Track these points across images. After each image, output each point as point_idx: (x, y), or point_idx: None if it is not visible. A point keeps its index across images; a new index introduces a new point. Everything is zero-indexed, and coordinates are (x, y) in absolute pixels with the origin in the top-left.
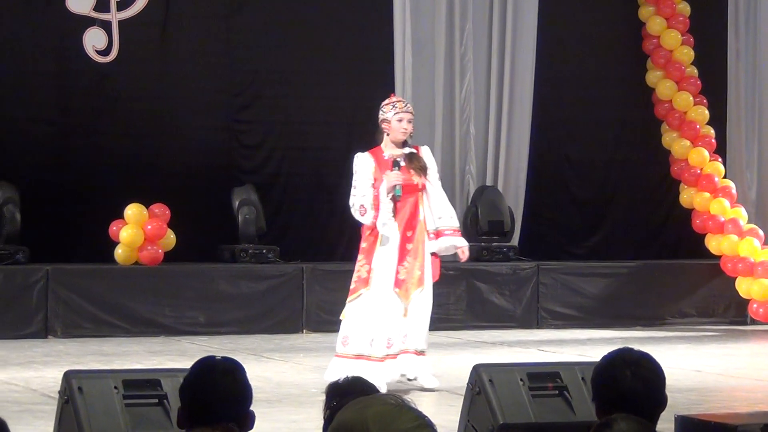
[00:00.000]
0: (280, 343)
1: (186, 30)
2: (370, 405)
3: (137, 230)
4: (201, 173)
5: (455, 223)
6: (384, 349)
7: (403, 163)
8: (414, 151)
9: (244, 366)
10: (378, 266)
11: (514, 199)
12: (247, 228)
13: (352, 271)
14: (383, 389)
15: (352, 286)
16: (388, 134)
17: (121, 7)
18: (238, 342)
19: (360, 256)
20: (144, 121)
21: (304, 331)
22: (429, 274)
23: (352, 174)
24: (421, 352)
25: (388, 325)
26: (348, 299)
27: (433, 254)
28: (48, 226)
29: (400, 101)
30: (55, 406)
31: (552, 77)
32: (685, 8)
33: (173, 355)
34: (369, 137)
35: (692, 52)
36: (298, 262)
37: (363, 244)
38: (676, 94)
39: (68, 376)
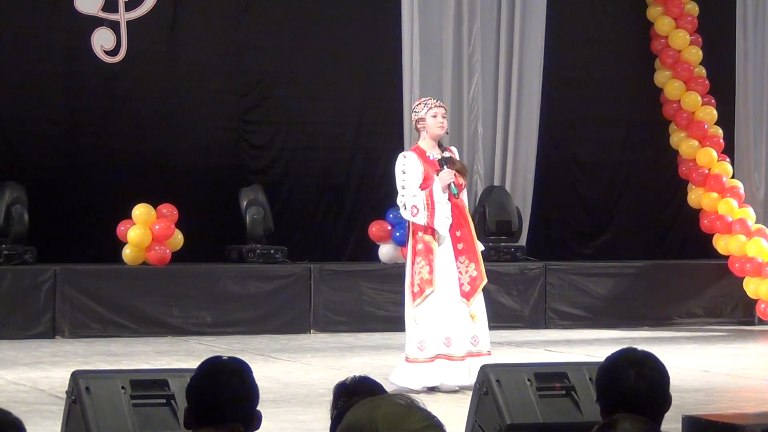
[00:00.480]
0: (287, 344)
1: (194, 31)
2: (379, 405)
3: (145, 230)
4: (209, 173)
5: None
6: (460, 349)
7: (449, 159)
8: (451, 154)
9: (252, 366)
10: (440, 266)
11: (522, 199)
12: (255, 228)
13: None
14: (460, 386)
15: (415, 290)
16: (426, 132)
17: (129, 7)
18: (246, 342)
19: (417, 258)
20: (152, 121)
21: (312, 331)
22: (482, 271)
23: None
24: (488, 353)
25: (459, 325)
26: (414, 303)
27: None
28: (56, 227)
29: (431, 99)
30: (63, 406)
31: (560, 77)
32: (694, 8)
33: (181, 356)
34: (376, 138)
35: (700, 53)
36: (305, 262)
37: (418, 246)
38: (684, 94)
39: (76, 376)
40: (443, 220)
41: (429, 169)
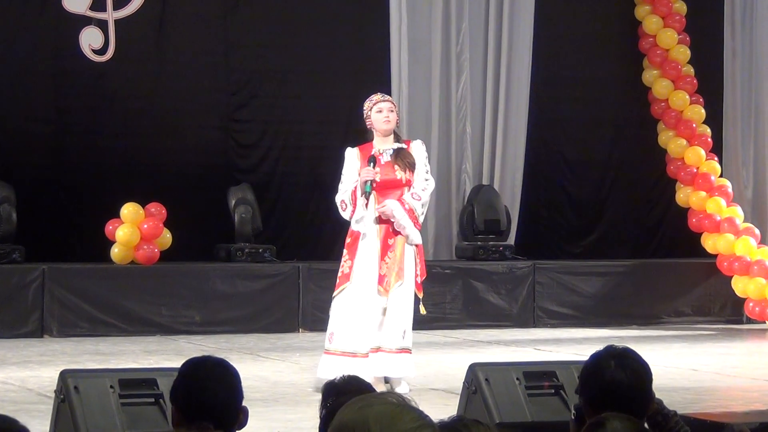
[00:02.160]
0: (276, 343)
1: (182, 29)
2: (371, 404)
3: (133, 229)
4: (197, 172)
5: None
6: (366, 346)
7: (387, 158)
8: (404, 146)
9: (241, 365)
10: (360, 262)
11: (511, 198)
12: (244, 227)
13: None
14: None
15: (336, 281)
16: (373, 129)
17: (117, 6)
18: (235, 341)
19: (344, 251)
20: (140, 120)
21: (300, 330)
22: (410, 269)
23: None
24: (402, 350)
25: (369, 321)
26: (333, 295)
27: (417, 245)
28: (44, 226)
29: (377, 94)
30: (52, 406)
31: (548, 76)
32: (682, 7)
33: (169, 355)
34: (364, 137)
35: (688, 51)
36: (294, 261)
37: (347, 240)
38: (672, 93)
39: (64, 375)
40: (357, 217)
41: (365, 165)
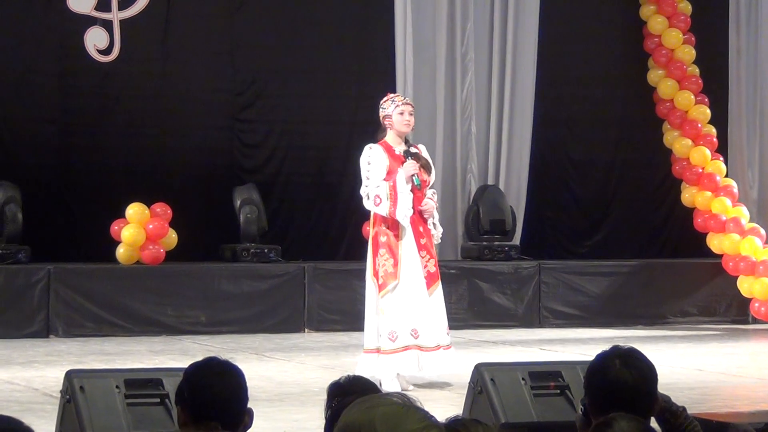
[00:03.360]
0: (281, 343)
1: (187, 29)
2: (376, 405)
3: (139, 230)
4: (203, 172)
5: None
6: (430, 339)
7: (414, 153)
8: (417, 150)
9: (246, 365)
10: (405, 258)
11: (516, 198)
12: (249, 227)
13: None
14: (431, 378)
15: (379, 282)
16: (391, 129)
17: (122, 6)
18: (240, 341)
19: (381, 251)
20: (145, 120)
21: (306, 330)
22: (438, 269)
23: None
24: (447, 346)
25: (425, 316)
26: (379, 294)
27: None
28: (50, 226)
29: (398, 96)
30: (57, 406)
31: (553, 76)
32: (687, 7)
33: (175, 355)
34: (370, 137)
35: (693, 51)
36: (299, 261)
37: (382, 238)
38: (677, 93)
39: (70, 375)
40: (405, 211)
41: (394, 163)
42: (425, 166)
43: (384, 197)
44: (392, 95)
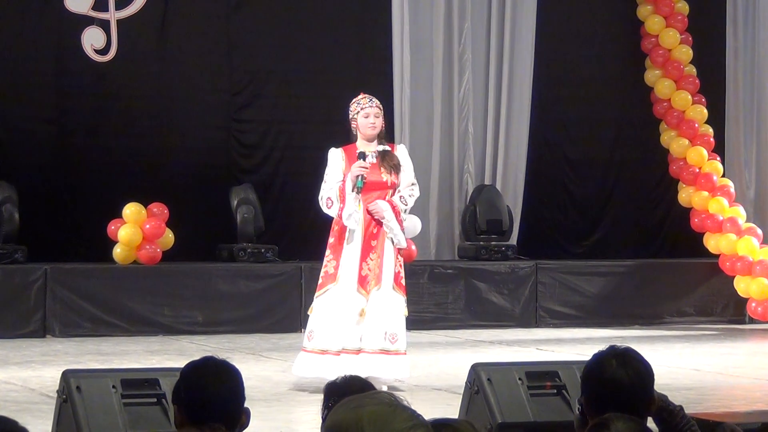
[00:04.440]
0: (278, 343)
1: (185, 29)
2: (363, 405)
3: (136, 229)
4: (200, 172)
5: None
6: (340, 345)
7: (373, 159)
8: (388, 149)
9: (243, 365)
10: (345, 262)
11: (513, 198)
12: (246, 227)
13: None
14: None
15: (319, 281)
16: (358, 132)
17: (119, 6)
18: (237, 341)
19: (327, 251)
20: (142, 120)
21: (303, 330)
22: (389, 272)
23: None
24: (383, 351)
25: (348, 321)
26: (315, 294)
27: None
28: (46, 226)
29: (364, 98)
30: (54, 406)
31: (550, 76)
32: (684, 7)
33: (172, 355)
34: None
35: (691, 51)
36: (296, 261)
37: (330, 240)
38: (674, 93)
39: (66, 375)
40: (351, 214)
41: (350, 167)
42: (392, 168)
43: (335, 199)
44: (360, 96)
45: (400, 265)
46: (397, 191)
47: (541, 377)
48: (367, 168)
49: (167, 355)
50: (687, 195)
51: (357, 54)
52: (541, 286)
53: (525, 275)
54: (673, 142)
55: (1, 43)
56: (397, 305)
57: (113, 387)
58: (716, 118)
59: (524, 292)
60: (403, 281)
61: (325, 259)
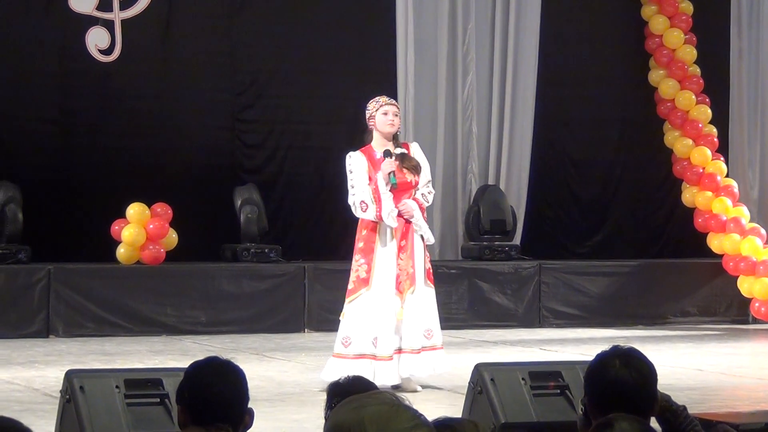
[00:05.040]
0: (281, 343)
1: (189, 29)
2: (365, 405)
3: (139, 229)
4: (203, 172)
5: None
6: (387, 349)
7: (394, 157)
8: (405, 151)
9: (246, 365)
10: (379, 265)
11: (516, 198)
12: (249, 227)
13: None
14: (391, 386)
15: (350, 287)
16: (375, 130)
17: (123, 6)
18: (240, 341)
19: (357, 256)
20: (146, 120)
21: (306, 330)
22: (421, 270)
23: (346, 175)
24: (424, 349)
25: (389, 325)
26: (347, 299)
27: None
28: (50, 226)
29: (383, 96)
30: (57, 406)
31: (554, 76)
32: (688, 7)
33: (175, 355)
34: (362, 137)
35: (695, 51)
36: (299, 261)
37: (359, 244)
38: (678, 93)
39: (70, 375)
40: (390, 212)
41: (374, 168)
42: (413, 168)
43: (369, 201)
44: (377, 97)
45: (429, 261)
46: (416, 190)
47: (544, 377)
48: (395, 162)
49: (170, 355)
50: (691, 195)
51: (361, 54)
52: (544, 286)
53: (528, 275)
54: (676, 142)
55: (5, 43)
56: (431, 300)
57: (116, 387)
58: (720, 118)
59: (527, 292)
60: (432, 275)
61: (355, 263)
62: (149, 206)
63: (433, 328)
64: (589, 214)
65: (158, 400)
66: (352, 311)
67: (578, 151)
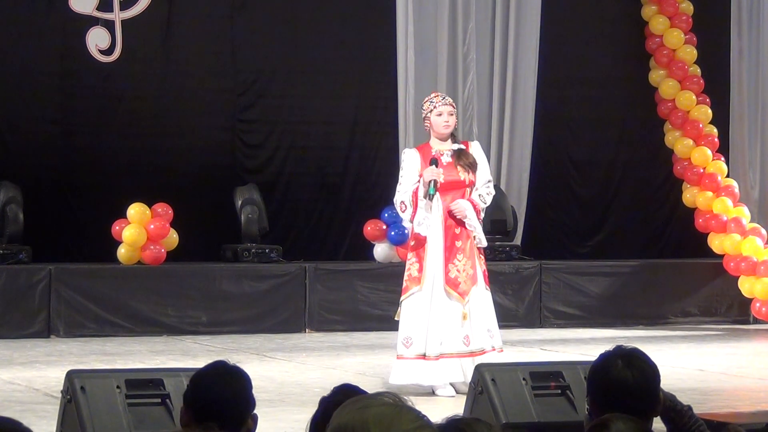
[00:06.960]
0: (282, 343)
1: (189, 29)
2: (368, 406)
3: (140, 230)
4: (204, 173)
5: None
6: (439, 348)
7: (449, 158)
8: (463, 147)
9: (247, 366)
10: (429, 265)
11: (517, 198)
12: (250, 227)
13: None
14: (446, 390)
15: (403, 285)
16: (431, 132)
17: (124, 6)
18: (241, 342)
19: (410, 254)
20: (147, 120)
21: (307, 330)
22: (480, 269)
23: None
24: (493, 349)
25: (447, 326)
26: (401, 298)
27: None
28: (51, 226)
29: (437, 95)
30: (58, 406)
31: (555, 77)
32: (688, 7)
33: (176, 355)
34: (372, 137)
35: (695, 51)
36: (300, 261)
37: (411, 242)
38: (678, 93)
39: (71, 375)
40: (419, 219)
41: (427, 166)
42: (469, 166)
43: (408, 203)
44: (433, 95)
45: (485, 263)
46: (474, 189)
47: (545, 377)
48: (439, 172)
49: (171, 355)
50: (691, 195)
51: (361, 54)
52: (545, 286)
53: (529, 275)
54: (677, 142)
55: (5, 44)
56: (490, 302)
57: (117, 387)
58: (721, 119)
59: (528, 292)
60: (488, 278)
61: (407, 263)
62: (150, 206)
63: (493, 329)
64: (590, 214)
65: (159, 400)
66: (407, 310)
67: (579, 152)
